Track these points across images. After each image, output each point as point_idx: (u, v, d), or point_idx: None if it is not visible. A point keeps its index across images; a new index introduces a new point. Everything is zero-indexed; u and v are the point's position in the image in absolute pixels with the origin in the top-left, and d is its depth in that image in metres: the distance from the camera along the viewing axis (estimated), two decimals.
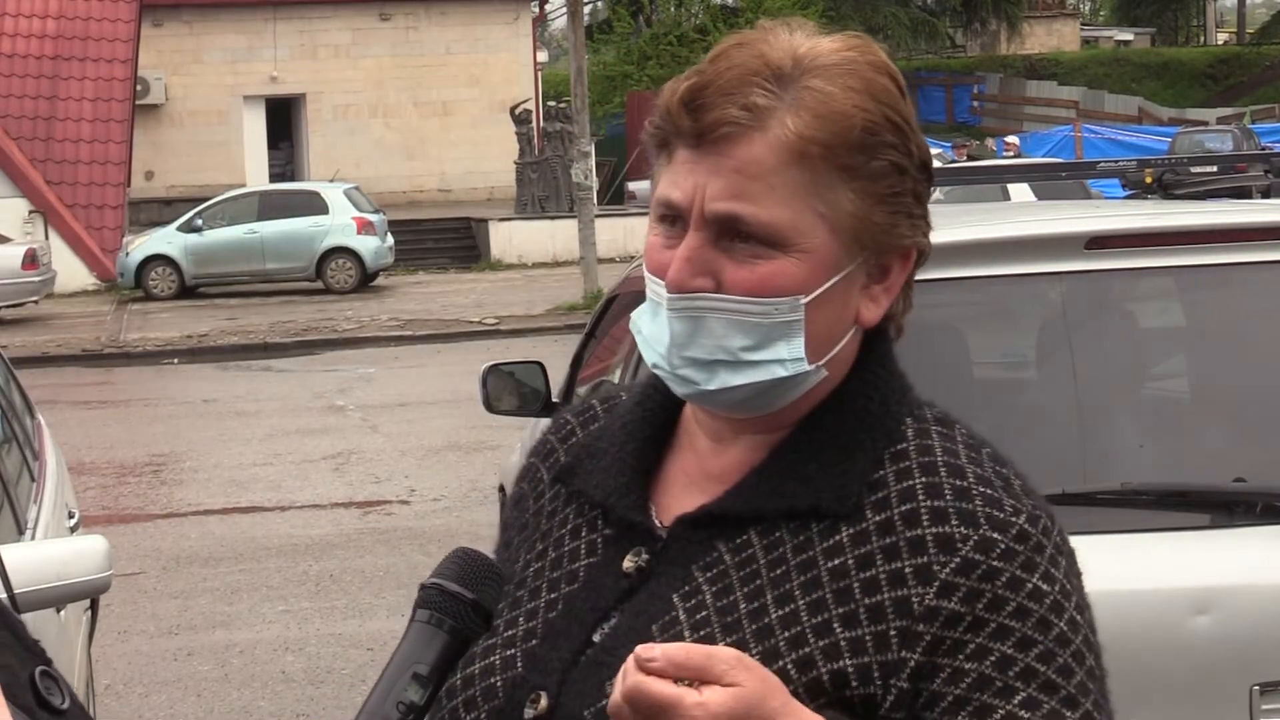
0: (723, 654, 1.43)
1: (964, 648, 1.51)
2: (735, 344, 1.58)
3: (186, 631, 8.95)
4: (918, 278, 1.66)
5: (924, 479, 1.58)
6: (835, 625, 1.53)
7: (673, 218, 1.61)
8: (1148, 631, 3.43)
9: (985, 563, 1.53)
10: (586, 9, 33.81)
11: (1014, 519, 1.55)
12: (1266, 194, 5.86)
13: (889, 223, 1.60)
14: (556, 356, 7.10)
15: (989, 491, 1.57)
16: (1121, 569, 3.49)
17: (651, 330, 1.62)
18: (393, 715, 1.51)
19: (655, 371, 1.64)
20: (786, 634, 1.54)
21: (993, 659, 1.51)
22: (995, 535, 1.54)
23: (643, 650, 1.42)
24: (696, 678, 1.42)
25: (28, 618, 4.21)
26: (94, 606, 5.78)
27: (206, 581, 9.97)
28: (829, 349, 1.61)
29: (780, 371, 1.59)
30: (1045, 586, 1.54)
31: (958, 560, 1.53)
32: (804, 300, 1.58)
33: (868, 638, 1.53)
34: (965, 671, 1.51)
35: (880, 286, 1.63)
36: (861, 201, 1.58)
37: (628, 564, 1.64)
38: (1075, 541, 1.61)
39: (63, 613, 4.81)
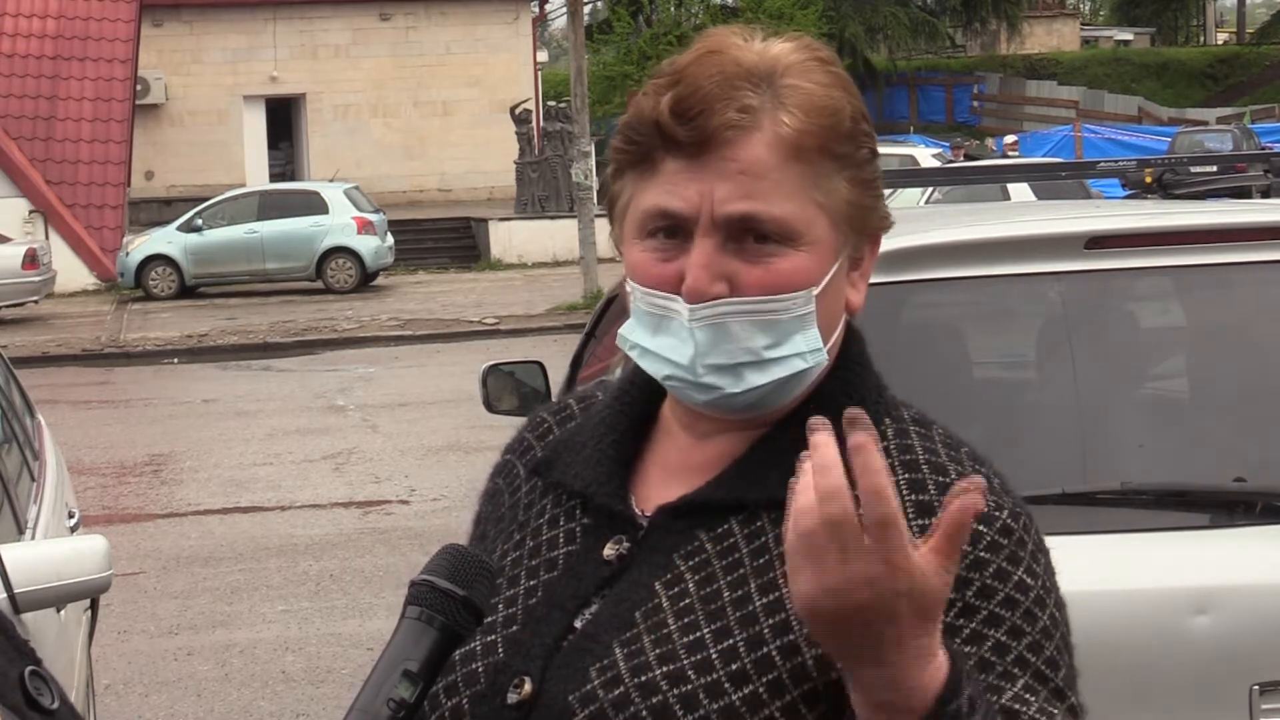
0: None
1: (959, 632, 1.52)
2: (758, 344, 1.60)
3: (186, 631, 8.95)
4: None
5: (907, 475, 1.59)
6: None
7: (671, 229, 1.62)
8: (1148, 631, 3.42)
9: (973, 553, 1.55)
10: (586, 9, 33.79)
11: (997, 514, 1.58)
12: (1266, 194, 5.84)
13: (873, 206, 1.66)
14: (556, 356, 7.09)
15: None
16: (1121, 569, 3.49)
17: (661, 343, 1.63)
18: (383, 713, 1.51)
19: (668, 384, 1.65)
20: (771, 621, 1.55)
21: (990, 644, 1.52)
22: (981, 528, 1.56)
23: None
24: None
25: (28, 617, 4.22)
26: (94, 606, 5.77)
27: (206, 581, 9.97)
28: (830, 337, 1.65)
29: (801, 364, 1.62)
30: (1029, 580, 1.56)
31: None
32: (815, 291, 1.61)
33: None
34: (966, 655, 1.51)
35: (858, 273, 1.68)
36: (853, 189, 1.63)
37: (608, 551, 1.66)
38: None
39: (63, 613, 4.81)
